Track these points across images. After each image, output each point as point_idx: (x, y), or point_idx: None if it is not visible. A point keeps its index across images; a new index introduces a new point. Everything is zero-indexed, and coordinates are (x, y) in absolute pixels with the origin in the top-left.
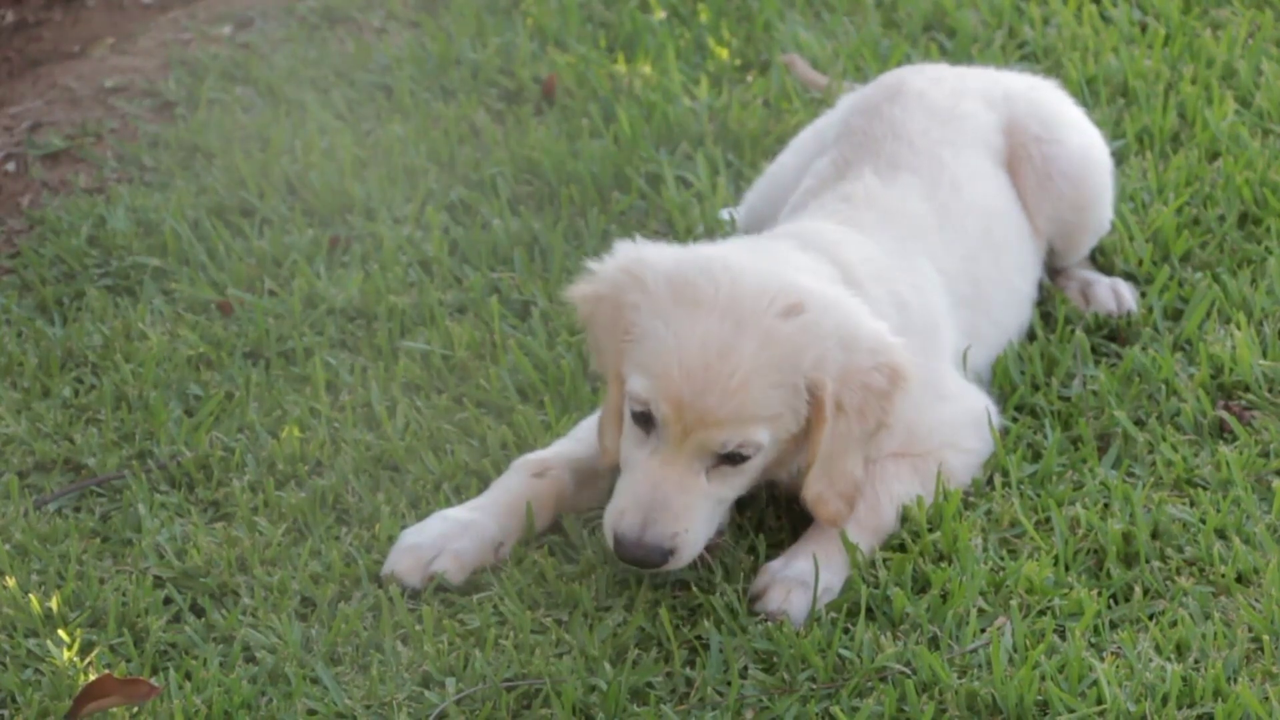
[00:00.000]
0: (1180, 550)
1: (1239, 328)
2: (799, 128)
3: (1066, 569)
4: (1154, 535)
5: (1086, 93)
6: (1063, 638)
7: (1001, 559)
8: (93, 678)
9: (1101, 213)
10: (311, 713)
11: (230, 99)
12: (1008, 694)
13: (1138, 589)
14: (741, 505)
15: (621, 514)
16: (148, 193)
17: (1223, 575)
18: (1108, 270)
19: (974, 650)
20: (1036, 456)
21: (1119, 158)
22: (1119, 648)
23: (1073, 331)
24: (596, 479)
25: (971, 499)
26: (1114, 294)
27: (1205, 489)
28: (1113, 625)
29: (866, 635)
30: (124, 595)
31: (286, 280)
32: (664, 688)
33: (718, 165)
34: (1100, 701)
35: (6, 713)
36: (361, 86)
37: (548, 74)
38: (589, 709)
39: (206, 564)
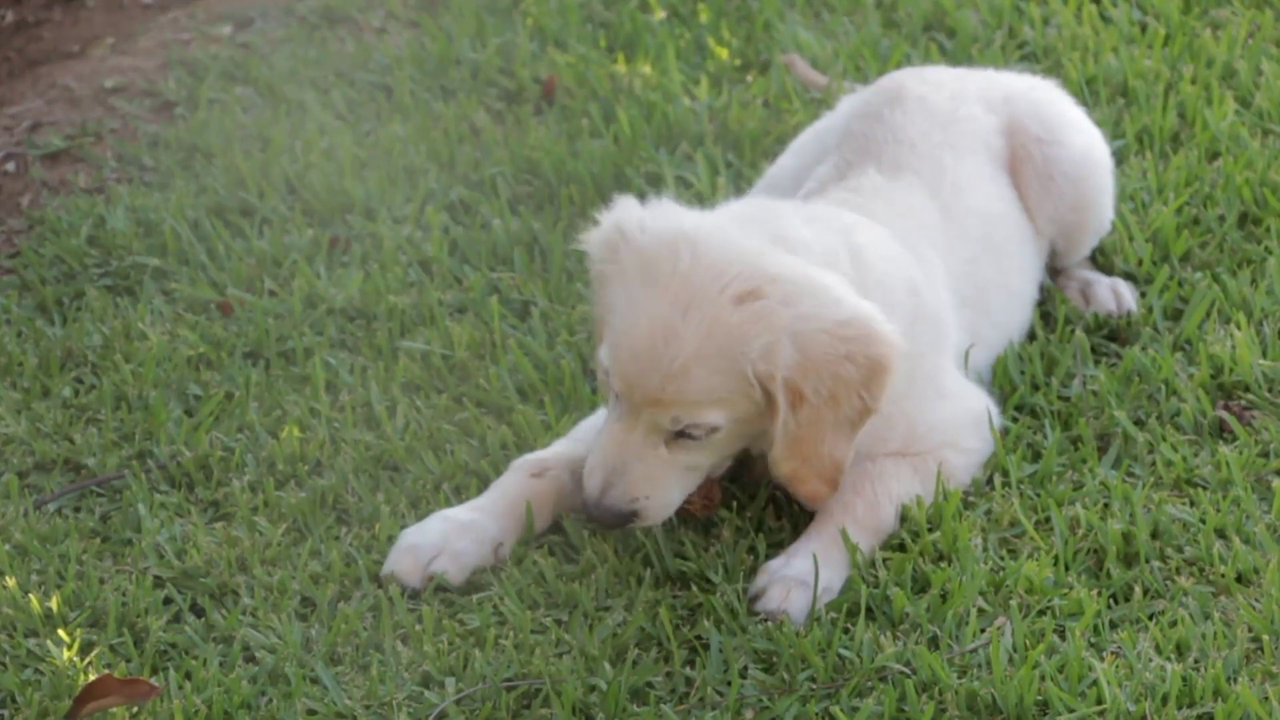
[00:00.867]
0: (1180, 550)
1: (1239, 328)
2: (799, 128)
3: (1066, 569)
4: (1154, 535)
5: (1086, 93)
6: (1062, 638)
7: (1001, 559)
8: (93, 678)
9: (1102, 213)
10: (311, 713)
11: (230, 99)
12: (1008, 694)
13: (1138, 589)
14: (741, 505)
15: (591, 473)
16: (148, 193)
17: (1223, 575)
18: (1108, 270)
19: (974, 650)
20: (1036, 456)
21: (1119, 158)
22: (1119, 648)
23: (1073, 331)
24: None
25: (971, 499)
26: (1114, 294)
27: (1205, 489)
28: (1113, 625)
29: (866, 635)
30: (124, 595)
31: (286, 280)
32: (664, 688)
33: (718, 165)
34: (1100, 701)
35: (6, 713)
36: (361, 86)
37: (548, 74)
38: (589, 709)
39: (206, 564)
